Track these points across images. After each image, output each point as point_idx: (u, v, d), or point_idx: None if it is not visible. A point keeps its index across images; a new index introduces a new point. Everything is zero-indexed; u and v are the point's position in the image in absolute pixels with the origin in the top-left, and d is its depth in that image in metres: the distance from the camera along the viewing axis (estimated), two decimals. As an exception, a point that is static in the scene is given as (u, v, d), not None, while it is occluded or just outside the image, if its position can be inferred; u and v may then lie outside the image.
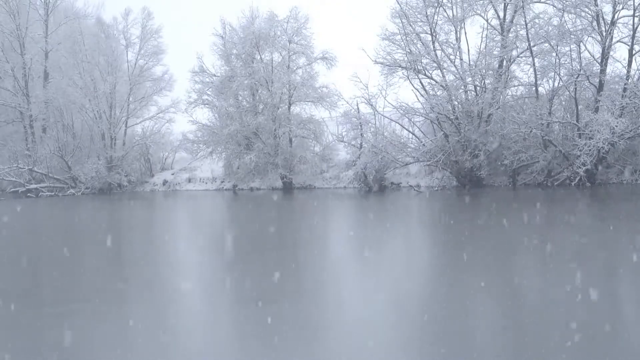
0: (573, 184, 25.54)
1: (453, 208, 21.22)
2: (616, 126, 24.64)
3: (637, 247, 11.00)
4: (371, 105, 31.16)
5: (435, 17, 29.00)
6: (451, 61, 29.19)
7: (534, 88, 28.21)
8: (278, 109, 34.30)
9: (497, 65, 28.84)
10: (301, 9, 36.25)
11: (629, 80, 26.23)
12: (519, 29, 28.34)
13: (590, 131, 25.34)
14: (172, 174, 38.47)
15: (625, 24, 26.41)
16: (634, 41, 26.15)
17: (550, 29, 27.28)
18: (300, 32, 34.56)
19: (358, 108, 32.39)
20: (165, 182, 37.57)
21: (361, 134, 32.05)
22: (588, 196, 22.64)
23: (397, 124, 31.38)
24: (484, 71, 28.94)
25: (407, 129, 31.33)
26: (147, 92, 39.33)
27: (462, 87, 29.20)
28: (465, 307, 7.54)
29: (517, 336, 6.43)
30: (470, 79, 29.09)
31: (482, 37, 29.39)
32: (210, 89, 36.64)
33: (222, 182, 36.22)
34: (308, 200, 27.63)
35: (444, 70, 28.89)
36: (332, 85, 34.48)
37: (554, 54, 27.27)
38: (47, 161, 36.16)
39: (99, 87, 36.09)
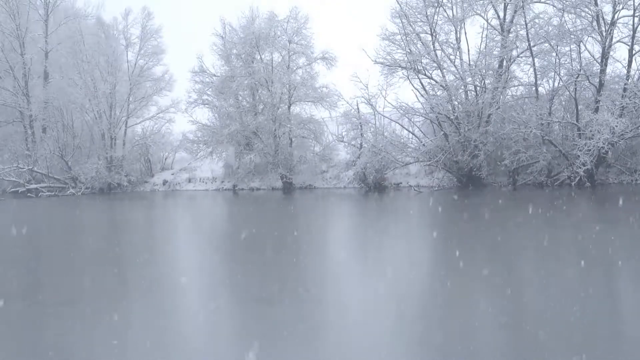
0: (573, 184, 25.54)
1: (453, 208, 21.22)
2: (616, 126, 24.64)
3: (636, 247, 11.01)
4: (371, 105, 31.18)
5: (435, 17, 29.03)
6: (451, 61, 29.22)
7: (534, 88, 28.23)
8: (278, 109, 34.30)
9: (497, 65, 28.85)
10: (301, 9, 36.30)
11: (629, 80, 26.23)
12: (519, 29, 28.36)
13: (590, 131, 25.34)
14: (172, 174, 38.47)
15: (625, 24, 26.44)
16: (634, 41, 26.16)
17: (550, 29, 27.30)
18: (300, 32, 34.58)
19: (358, 108, 32.41)
20: (165, 182, 37.57)
21: (361, 134, 32.06)
22: (588, 196, 22.64)
23: (397, 124, 31.40)
24: (484, 71, 28.95)
25: (407, 129, 31.35)
26: (147, 92, 39.32)
27: (462, 87, 29.22)
28: (465, 307, 7.54)
29: (517, 336, 6.42)
30: (470, 79, 29.10)
31: (482, 37, 29.46)
32: (210, 89, 36.65)
33: (222, 182, 36.22)
34: (308, 200, 27.63)
35: (444, 70, 28.91)
36: (332, 85, 34.52)
37: (554, 54, 27.28)
38: (47, 161, 36.15)
39: (99, 87, 36.09)
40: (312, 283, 9.51)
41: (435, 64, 28.97)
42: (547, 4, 27.79)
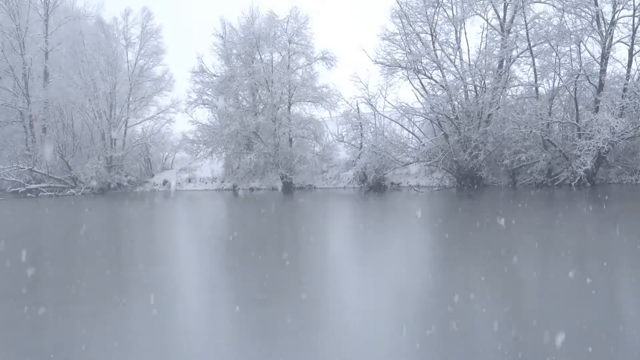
0: (573, 184, 25.53)
1: (453, 208, 21.21)
2: (616, 126, 24.63)
3: (635, 247, 11.01)
4: (371, 105, 31.16)
5: (435, 17, 29.01)
6: (451, 61, 29.20)
7: (534, 88, 28.23)
8: (278, 109, 34.28)
9: (497, 65, 28.84)
10: (301, 9, 36.16)
11: (629, 80, 26.22)
12: (519, 29, 28.35)
13: (590, 131, 25.33)
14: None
15: (625, 24, 26.44)
16: (634, 41, 26.15)
17: (550, 29, 27.29)
18: (300, 32, 34.55)
19: (358, 108, 32.40)
20: (165, 182, 37.56)
21: (361, 134, 32.05)
22: (588, 196, 22.63)
23: (397, 124, 31.36)
24: (484, 71, 28.94)
25: (407, 129, 31.32)
26: (147, 92, 39.27)
27: (462, 87, 29.20)
28: (465, 307, 7.54)
29: (518, 336, 6.42)
30: (470, 79, 29.09)
31: (482, 37, 29.44)
32: (210, 89, 36.63)
33: (222, 182, 36.21)
34: (308, 200, 27.62)
35: (444, 70, 28.89)
36: (332, 85, 34.49)
37: (554, 54, 27.27)
38: (47, 161, 36.12)
39: (99, 87, 36.06)
40: (312, 283, 9.51)
41: (435, 64, 28.96)
42: (547, 4, 27.81)
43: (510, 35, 28.05)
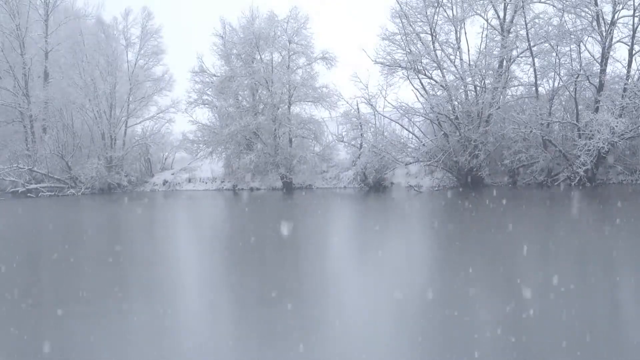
0: (573, 184, 25.52)
1: (453, 208, 21.22)
2: (616, 126, 24.63)
3: (635, 247, 11.01)
4: (371, 105, 31.15)
5: (435, 17, 28.99)
6: (451, 61, 29.18)
7: (534, 88, 28.21)
8: (278, 109, 34.28)
9: (497, 65, 28.83)
10: (301, 9, 36.18)
11: (629, 80, 26.21)
12: (519, 29, 28.34)
13: (590, 131, 25.33)
14: (172, 174, 38.45)
15: (625, 24, 26.42)
16: (634, 41, 26.14)
17: (550, 29, 27.29)
18: (300, 32, 34.55)
19: (358, 108, 32.39)
20: (165, 182, 37.56)
21: (361, 134, 32.04)
22: (588, 196, 22.63)
23: (397, 124, 31.34)
24: (484, 71, 28.92)
25: (407, 129, 31.31)
26: (147, 92, 39.29)
27: (462, 87, 29.19)
28: (465, 307, 7.54)
29: (518, 336, 6.43)
30: (470, 79, 29.07)
31: (482, 37, 29.42)
32: (210, 89, 36.63)
33: (222, 182, 36.21)
34: (308, 200, 27.62)
35: (444, 70, 28.87)
36: (332, 85, 34.48)
37: (554, 54, 27.27)
38: (47, 161, 36.13)
39: (99, 87, 36.07)
40: (312, 283, 9.51)
41: (435, 64, 28.94)
42: (547, 4, 27.80)
43: (510, 35, 28.04)
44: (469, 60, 29.22)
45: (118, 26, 39.02)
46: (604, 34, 26.15)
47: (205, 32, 59.35)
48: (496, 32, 28.82)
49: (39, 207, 28.07)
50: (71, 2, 41.56)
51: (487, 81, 28.85)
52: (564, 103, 28.77)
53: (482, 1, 28.70)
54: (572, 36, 26.70)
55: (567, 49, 27.37)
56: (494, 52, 28.93)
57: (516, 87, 30.51)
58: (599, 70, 26.54)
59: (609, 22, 26.10)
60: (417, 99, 30.16)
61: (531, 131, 26.67)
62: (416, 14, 29.40)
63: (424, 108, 29.92)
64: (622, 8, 26.07)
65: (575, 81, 26.74)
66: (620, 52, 27.95)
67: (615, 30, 26.27)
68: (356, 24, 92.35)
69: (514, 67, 29.25)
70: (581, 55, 27.06)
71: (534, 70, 27.85)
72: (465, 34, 29.18)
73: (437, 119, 28.92)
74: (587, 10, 26.47)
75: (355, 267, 11.13)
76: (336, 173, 33.61)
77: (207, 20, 69.60)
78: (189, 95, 36.33)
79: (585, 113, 26.09)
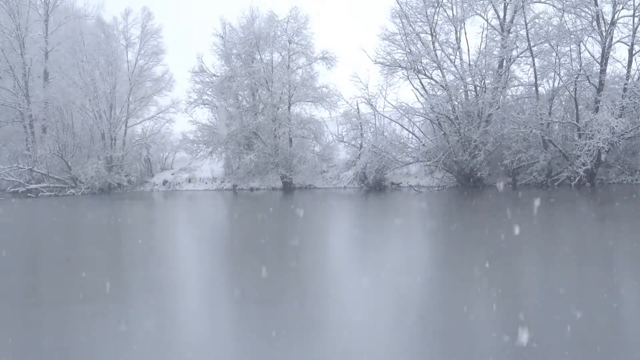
0: (573, 184, 25.52)
1: (453, 208, 21.22)
2: (616, 126, 24.63)
3: (635, 247, 11.01)
4: (371, 105, 31.15)
5: (435, 17, 28.98)
6: (451, 61, 29.17)
7: (534, 88, 28.20)
8: (278, 109, 34.28)
9: (497, 65, 28.82)
10: (301, 9, 36.12)
11: (629, 80, 26.22)
12: (519, 29, 28.33)
13: (590, 131, 25.34)
14: (172, 174, 38.43)
15: (625, 24, 26.43)
16: (634, 41, 26.15)
17: (550, 29, 27.29)
18: (300, 32, 34.55)
19: (358, 108, 32.39)
20: (165, 182, 37.55)
21: (361, 134, 32.04)
22: (588, 196, 22.64)
23: (397, 124, 31.34)
24: (484, 71, 28.91)
25: (407, 129, 31.31)
26: (147, 92, 39.26)
27: (462, 87, 29.18)
28: (465, 307, 7.54)
29: (518, 337, 6.43)
30: (470, 79, 29.07)
31: (482, 37, 29.41)
32: (210, 89, 36.62)
33: (222, 182, 36.21)
34: (308, 200, 27.62)
35: (444, 70, 28.87)
36: (332, 85, 34.47)
37: (554, 54, 27.27)
38: (47, 161, 36.12)
39: (99, 87, 36.05)
40: (312, 283, 9.51)
41: (435, 64, 28.94)
42: (547, 4, 27.80)
43: (510, 35, 28.04)
44: (469, 60, 29.23)
45: (118, 26, 39.02)
46: (604, 34, 26.16)
47: (205, 32, 59.38)
48: (496, 32, 28.82)
49: (38, 207, 28.07)
50: (71, 2, 41.57)
51: (487, 81, 28.84)
52: (564, 103, 28.77)
53: (482, 1, 28.71)
54: (572, 36, 26.71)
55: (567, 49, 27.38)
56: (494, 52, 28.93)
57: (516, 87, 30.52)
58: (599, 70, 26.54)
59: (609, 22, 26.10)
60: (417, 99, 30.19)
61: (531, 131, 26.67)
62: (416, 14, 29.40)
63: (424, 108, 29.92)
64: (622, 8, 26.10)
65: (575, 81, 26.75)
66: (620, 52, 27.99)
67: (615, 30, 26.29)
68: (356, 24, 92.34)
69: (514, 67, 29.28)
70: (581, 55, 27.08)
71: (534, 70, 27.85)
72: (465, 34, 29.22)
73: (437, 119, 28.91)
74: (587, 10, 26.48)
75: (355, 267, 11.13)
76: (336, 173, 33.60)
77: (207, 20, 69.64)
78: (189, 95, 36.36)
79: (585, 113, 26.10)
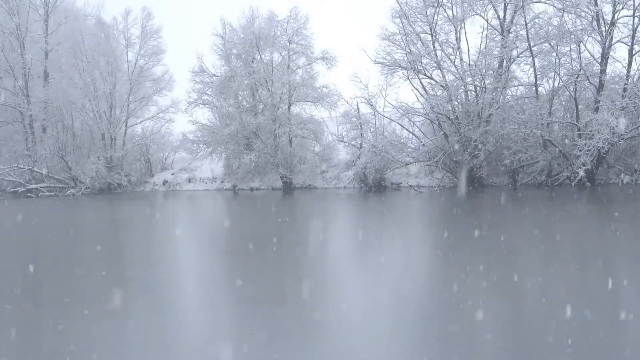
0: (573, 184, 25.53)
1: (453, 209, 21.21)
2: (616, 126, 24.63)
3: (635, 248, 11.01)
4: (371, 105, 31.16)
5: (435, 17, 28.98)
6: (451, 61, 29.17)
7: (534, 88, 28.21)
8: (278, 109, 34.30)
9: (497, 65, 28.82)
10: (301, 9, 36.25)
11: (629, 80, 26.23)
12: (519, 29, 28.33)
13: (590, 131, 25.34)
14: (172, 174, 38.46)
15: (625, 24, 26.43)
16: (634, 41, 26.15)
17: (550, 29, 27.30)
18: (300, 32, 34.57)
19: (358, 108, 32.41)
20: (165, 182, 37.57)
21: (361, 134, 32.06)
22: (588, 196, 22.64)
23: (397, 124, 31.36)
24: (484, 71, 28.91)
25: (407, 129, 31.32)
26: (147, 92, 39.31)
27: (462, 87, 29.18)
28: (465, 307, 7.54)
29: (518, 336, 6.43)
30: (470, 79, 29.06)
31: (482, 37, 29.39)
32: (210, 89, 36.64)
33: (222, 182, 36.23)
34: (308, 200, 27.63)
35: (444, 70, 28.87)
36: (332, 85, 34.50)
37: (554, 54, 27.28)
38: (47, 161, 36.14)
39: (99, 87, 36.08)
40: (312, 284, 9.51)
41: (435, 64, 28.94)
42: (547, 4, 27.80)
43: (510, 35, 28.03)
44: (469, 60, 29.23)
45: (118, 26, 39.08)
46: (604, 34, 26.16)
47: (205, 32, 59.44)
48: (496, 32, 28.81)
49: (38, 207, 28.07)
50: (71, 2, 41.65)
51: (487, 81, 28.84)
52: (564, 103, 28.78)
53: (482, 1, 28.69)
54: (572, 36, 26.71)
55: (567, 49, 27.40)
56: (494, 52, 28.92)
57: (516, 87, 30.52)
58: (599, 70, 26.54)
59: (609, 22, 26.11)
60: (417, 99, 30.21)
61: (531, 131, 26.68)
62: (416, 14, 29.39)
63: (424, 108, 29.93)
64: (622, 8, 26.10)
65: (575, 81, 26.76)
66: (620, 52, 28.04)
67: (615, 30, 26.29)
68: (356, 24, 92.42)
69: (514, 67, 29.27)
70: (581, 55, 27.09)
71: (534, 70, 27.86)
72: (465, 34, 29.20)
73: (437, 119, 28.92)
74: (587, 10, 26.47)
75: (355, 267, 11.13)
76: (336, 173, 33.62)
77: (207, 20, 69.66)
78: (189, 95, 36.40)
79: (585, 113, 26.10)
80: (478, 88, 28.87)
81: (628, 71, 26.56)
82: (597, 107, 26.28)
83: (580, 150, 25.30)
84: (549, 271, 9.49)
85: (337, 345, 6.36)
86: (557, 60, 27.35)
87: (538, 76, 27.91)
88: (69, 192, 35.20)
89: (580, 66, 26.73)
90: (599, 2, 26.24)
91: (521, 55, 28.58)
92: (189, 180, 37.41)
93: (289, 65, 34.55)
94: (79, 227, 19.36)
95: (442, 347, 6.11)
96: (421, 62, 29.10)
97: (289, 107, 34.72)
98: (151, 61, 39.43)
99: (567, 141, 27.33)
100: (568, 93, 27.87)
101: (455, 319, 7.00)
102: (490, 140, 27.80)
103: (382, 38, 29.67)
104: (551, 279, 8.89)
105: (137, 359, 6.23)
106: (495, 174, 28.85)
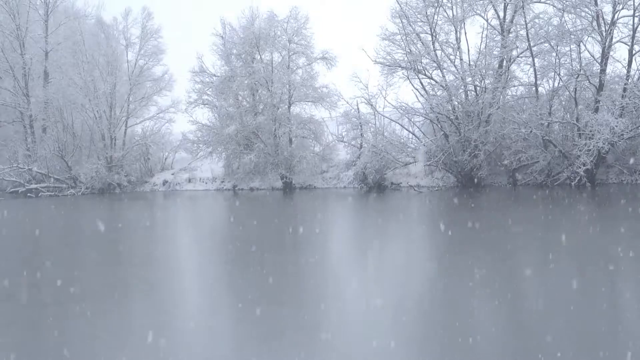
0: (573, 184, 25.52)
1: (453, 208, 21.21)
2: (616, 126, 24.64)
3: (635, 248, 11.00)
4: (371, 105, 31.19)
5: (435, 17, 29.01)
6: (451, 61, 29.20)
7: (534, 88, 28.22)
8: (278, 109, 34.30)
9: (497, 65, 28.83)
10: (301, 9, 36.21)
11: (629, 80, 26.23)
12: (519, 29, 28.35)
13: (590, 131, 25.34)
14: (172, 174, 38.45)
15: (625, 24, 26.44)
16: (634, 41, 26.15)
17: (550, 29, 27.30)
18: (300, 32, 34.56)
19: (358, 108, 32.42)
20: (165, 182, 37.56)
21: (361, 134, 32.06)
22: (588, 196, 22.63)
23: (397, 124, 31.38)
24: (484, 71, 28.93)
25: (407, 129, 31.35)
26: (147, 92, 39.30)
27: (462, 87, 29.20)
28: (465, 307, 7.54)
29: (517, 336, 6.43)
30: (470, 79, 29.08)
31: (482, 37, 29.44)
32: (210, 89, 36.64)
33: (222, 182, 36.22)
34: (308, 200, 27.63)
35: (444, 70, 28.89)
36: (332, 85, 34.57)
37: (554, 54, 27.29)
38: (47, 161, 36.14)
39: (99, 87, 36.06)
40: (312, 284, 9.51)
41: (435, 64, 28.96)
42: (547, 4, 27.81)
43: (510, 35, 28.05)
44: (469, 60, 29.25)
45: (118, 26, 39.07)
46: (604, 34, 26.16)
47: (205, 32, 59.41)
48: (496, 32, 28.84)
49: (38, 207, 28.06)
50: (71, 2, 41.61)
51: (487, 81, 28.86)
52: (564, 103, 28.78)
53: (482, 1, 28.71)
54: (572, 36, 26.72)
55: (567, 49, 27.41)
56: (494, 52, 28.94)
57: (516, 87, 30.54)
58: (599, 70, 26.54)
59: (609, 22, 26.11)
60: (417, 99, 30.25)
61: (531, 131, 26.68)
62: (416, 14, 29.42)
63: (424, 108, 29.95)
64: (622, 8, 26.10)
65: (575, 81, 26.77)
66: (620, 52, 28.09)
67: (615, 30, 26.30)
68: (356, 24, 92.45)
69: (514, 67, 29.30)
70: (581, 55, 27.11)
71: (534, 70, 27.86)
72: (465, 34, 29.32)
73: (437, 119, 28.94)
74: (587, 10, 26.48)
75: (356, 267, 11.13)
76: (336, 173, 33.63)
77: (207, 20, 69.63)
78: (189, 95, 36.38)
79: (585, 113, 26.10)
80: (478, 88, 28.89)
81: (628, 71, 26.56)
82: (597, 107, 26.28)
83: (580, 150, 25.30)
84: (549, 271, 9.49)
85: (337, 345, 6.35)
86: (557, 60, 27.37)
87: (538, 76, 27.93)
88: (68, 192, 35.19)
89: (580, 66, 26.73)
90: (599, 2, 26.25)
91: (521, 55, 28.60)
92: (189, 180, 37.40)
93: (289, 65, 34.55)
94: (78, 227, 19.35)
95: (443, 348, 6.11)
96: (421, 62, 29.13)
97: (289, 107, 34.73)
98: (151, 61, 39.44)
99: (567, 141, 27.33)
100: (568, 93, 27.88)
101: (456, 320, 7.00)
102: (490, 140, 27.81)
103: (382, 38, 29.73)
104: (551, 279, 8.89)
105: (137, 359, 6.23)
106: (495, 174, 28.86)
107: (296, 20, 34.49)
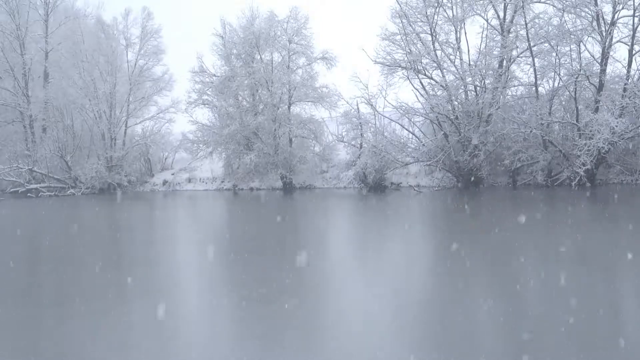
0: (573, 184, 25.52)
1: (453, 208, 21.21)
2: (616, 126, 24.63)
3: (635, 248, 11.01)
4: (371, 105, 31.16)
5: (435, 17, 28.98)
6: (451, 61, 29.17)
7: (534, 88, 28.20)
8: (278, 109, 34.29)
9: (497, 65, 28.82)
10: (301, 9, 36.13)
11: (629, 80, 26.22)
12: (519, 29, 28.32)
13: (590, 131, 25.34)
14: (172, 174, 38.46)
15: (625, 24, 26.44)
16: (634, 41, 26.15)
17: (550, 29, 27.29)
18: (300, 32, 34.56)
19: (358, 108, 32.39)
20: (165, 182, 37.56)
21: (361, 134, 32.04)
22: (588, 196, 22.63)
23: (397, 124, 31.36)
24: (484, 71, 28.91)
25: (407, 129, 31.33)
26: (147, 92, 39.30)
27: (462, 87, 29.18)
28: (465, 307, 7.54)
29: (517, 336, 6.43)
30: (470, 79, 29.06)
31: (482, 37, 29.40)
32: (210, 89, 36.64)
33: (222, 182, 36.22)
34: (308, 200, 27.63)
35: (444, 70, 28.87)
36: (332, 85, 34.50)
37: (554, 54, 27.28)
38: (47, 161, 36.14)
39: (99, 87, 36.07)
40: (312, 284, 9.51)
41: (435, 64, 28.94)
42: (547, 4, 27.78)
43: (510, 35, 28.02)
44: (469, 60, 29.23)
45: (118, 26, 39.09)
46: (604, 34, 26.16)
47: (205, 32, 59.30)
48: (496, 32, 28.81)
49: (38, 207, 28.06)
50: (71, 2, 41.64)
51: (487, 81, 28.84)
52: (564, 103, 28.78)
53: (482, 1, 28.68)
54: (572, 36, 26.71)
55: (567, 49, 27.40)
56: (494, 52, 28.92)
57: (516, 87, 30.50)
58: (599, 70, 26.54)
59: (609, 22, 26.10)
60: (417, 99, 30.22)
61: (531, 131, 26.67)
62: (416, 14, 29.39)
63: (424, 108, 29.93)
64: (622, 8, 26.10)
65: (575, 81, 26.75)
66: (620, 52, 28.00)
67: (615, 30, 26.29)
68: (356, 24, 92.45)
69: (514, 67, 29.26)
70: (581, 55, 27.10)
71: (534, 70, 27.85)
72: (465, 34, 29.22)
73: (437, 119, 28.93)
74: (587, 10, 26.48)
75: (356, 267, 11.13)
76: (336, 173, 33.61)
77: (207, 20, 69.53)
78: (189, 95, 36.37)
79: (585, 113, 26.09)
80: (478, 88, 28.88)
81: (628, 71, 26.56)
82: (597, 107, 26.28)
83: (580, 150, 25.29)
84: (549, 272, 9.49)
85: (337, 345, 6.36)
86: (557, 60, 27.36)
87: (538, 76, 27.91)
88: (68, 192, 35.20)
89: (580, 66, 26.73)
90: (599, 2, 26.24)
91: (521, 55, 28.58)
92: (189, 180, 37.40)
93: (289, 65, 34.55)
94: (78, 227, 19.34)
95: (443, 348, 6.11)
96: (421, 62, 29.10)
97: (289, 107, 34.73)
98: (151, 61, 39.46)
99: (567, 141, 27.33)
100: (568, 93, 27.87)
101: (456, 320, 7.00)
102: (490, 140, 27.81)
103: (382, 38, 29.69)
104: (552, 280, 8.89)
105: (136, 359, 6.23)
106: (495, 174, 28.86)
107: (296, 20, 34.50)
